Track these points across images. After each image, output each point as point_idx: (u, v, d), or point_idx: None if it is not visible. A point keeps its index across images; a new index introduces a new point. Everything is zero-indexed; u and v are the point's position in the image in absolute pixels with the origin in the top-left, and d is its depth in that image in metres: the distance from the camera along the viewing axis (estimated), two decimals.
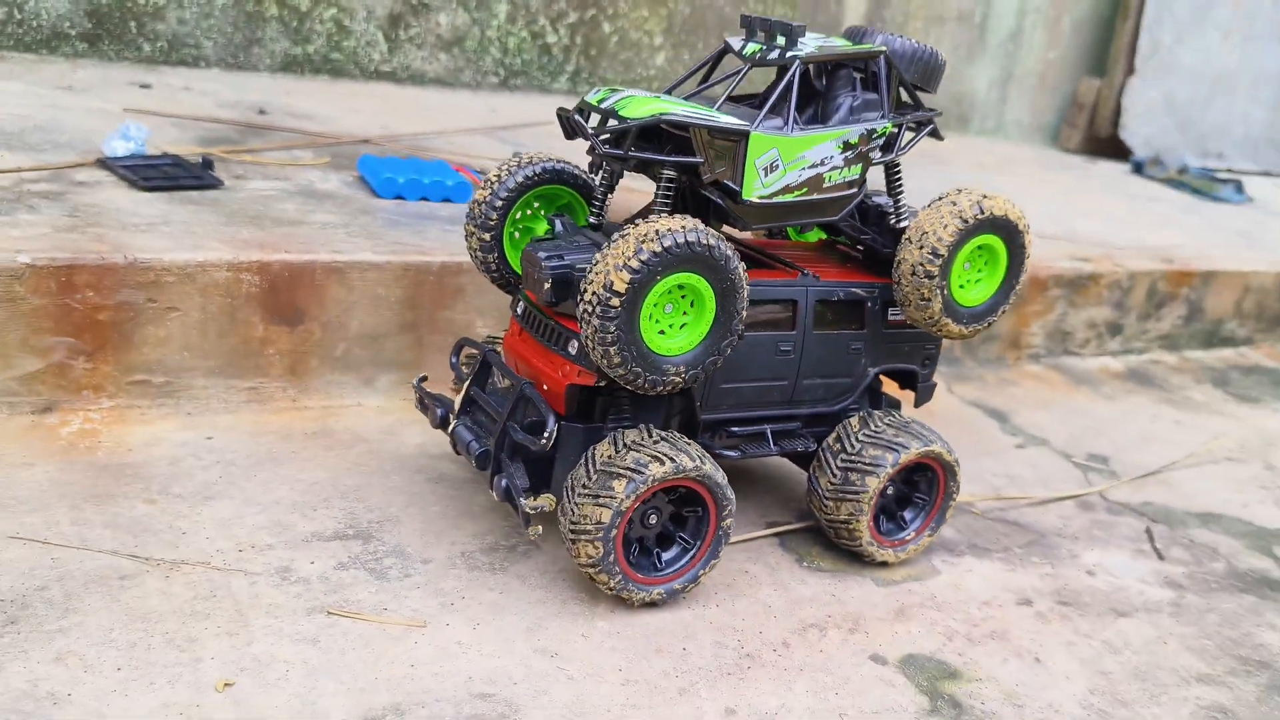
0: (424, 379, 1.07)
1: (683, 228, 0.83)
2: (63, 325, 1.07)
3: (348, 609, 0.87)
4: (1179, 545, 1.21)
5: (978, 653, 0.95)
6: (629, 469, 0.88)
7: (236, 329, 1.14)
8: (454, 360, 1.06)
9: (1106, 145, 3.03)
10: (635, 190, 1.46)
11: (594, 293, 0.83)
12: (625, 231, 0.83)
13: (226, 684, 0.77)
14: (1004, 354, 1.72)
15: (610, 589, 0.90)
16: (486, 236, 1.00)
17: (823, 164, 0.95)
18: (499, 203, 0.99)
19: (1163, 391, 1.74)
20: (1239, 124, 3.21)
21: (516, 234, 1.03)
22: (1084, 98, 3.03)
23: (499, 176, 1.00)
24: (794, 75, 0.92)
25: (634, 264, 0.82)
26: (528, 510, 0.88)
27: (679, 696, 0.83)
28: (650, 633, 0.90)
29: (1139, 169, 2.87)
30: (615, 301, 0.82)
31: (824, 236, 1.17)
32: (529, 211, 1.03)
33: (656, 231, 0.82)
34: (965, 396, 1.57)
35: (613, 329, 0.83)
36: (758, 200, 0.92)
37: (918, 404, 1.12)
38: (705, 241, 0.84)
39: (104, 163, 1.34)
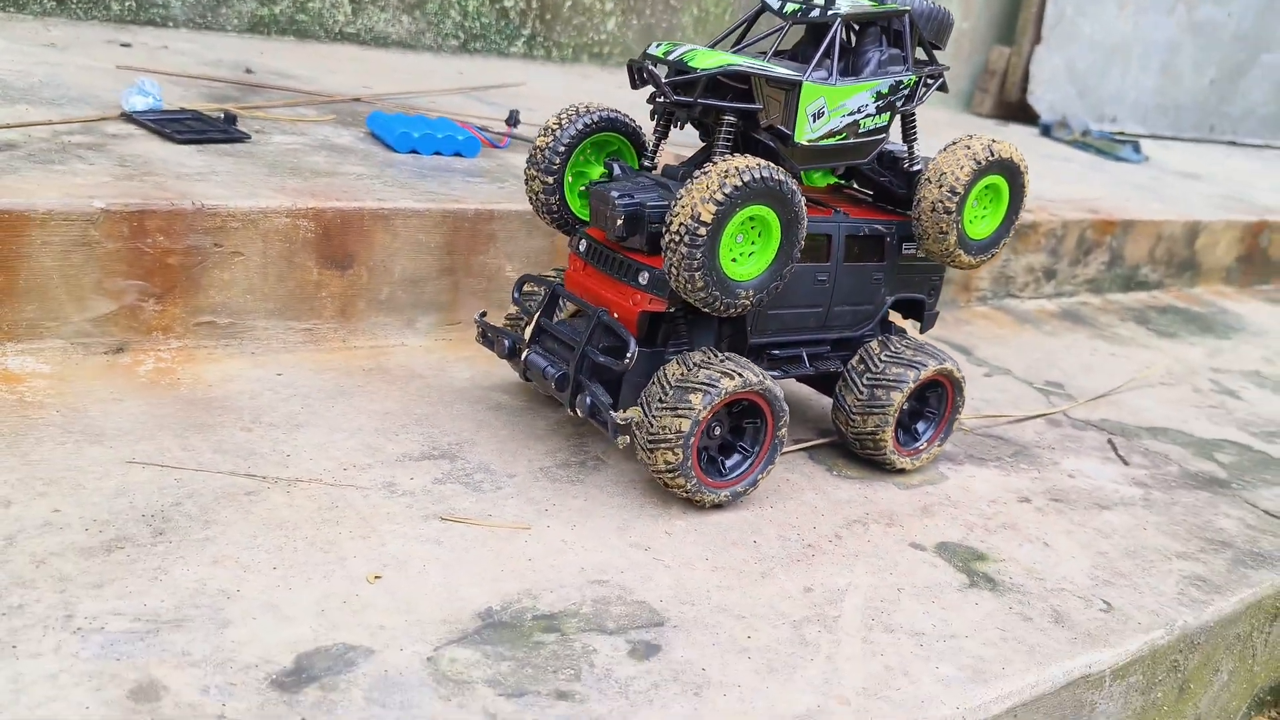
0: (484, 314, 1.15)
1: (758, 164, 0.94)
2: (134, 269, 1.12)
3: (457, 515, 0.95)
4: (1137, 453, 1.37)
5: (996, 540, 1.09)
6: (703, 383, 0.98)
7: (294, 273, 1.20)
8: (516, 295, 1.14)
9: (1015, 110, 3.25)
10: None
11: (682, 223, 0.93)
12: (706, 169, 0.94)
13: (376, 576, 0.85)
14: (956, 296, 1.88)
15: (685, 492, 1.01)
16: (550, 180, 1.09)
17: (859, 111, 1.06)
18: (561, 148, 1.08)
19: (1094, 328, 1.92)
20: (1131, 90, 3.47)
21: (570, 178, 1.12)
22: (995, 65, 3.24)
23: (559, 124, 1.09)
24: (836, 31, 1.03)
25: (719, 196, 0.92)
26: (618, 421, 0.98)
27: (762, 579, 0.94)
28: (722, 530, 1.01)
29: (1047, 131, 3.08)
30: (701, 230, 0.92)
31: (832, 181, 1.29)
32: (580, 158, 1.12)
33: (736, 168, 0.93)
34: (930, 334, 1.71)
35: (699, 255, 0.93)
36: (806, 144, 1.03)
37: (923, 330, 1.25)
38: (777, 177, 0.94)
39: (129, 117, 1.37)
